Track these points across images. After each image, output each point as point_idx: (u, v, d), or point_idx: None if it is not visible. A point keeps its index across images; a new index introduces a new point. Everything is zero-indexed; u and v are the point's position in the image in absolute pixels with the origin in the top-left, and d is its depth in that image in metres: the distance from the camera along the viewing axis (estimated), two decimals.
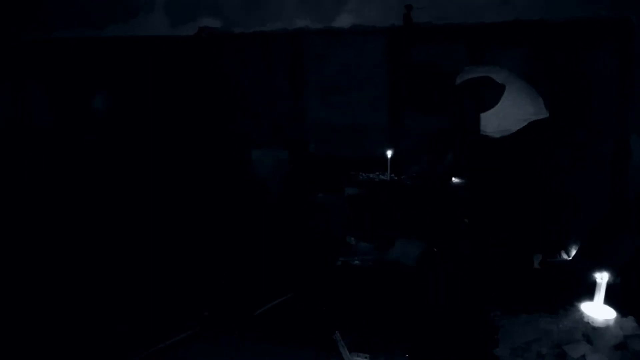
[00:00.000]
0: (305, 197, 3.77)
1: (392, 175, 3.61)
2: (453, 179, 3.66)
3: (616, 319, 2.06)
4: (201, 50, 3.94)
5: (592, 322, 2.06)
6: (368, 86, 3.89)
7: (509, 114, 2.72)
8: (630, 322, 2.06)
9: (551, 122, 2.73)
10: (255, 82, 4.00)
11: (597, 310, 2.10)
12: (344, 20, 3.67)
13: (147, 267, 2.97)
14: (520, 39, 3.61)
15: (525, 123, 2.71)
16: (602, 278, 2.08)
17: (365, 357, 2.10)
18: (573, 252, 3.16)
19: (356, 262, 3.13)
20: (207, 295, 2.70)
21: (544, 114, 2.71)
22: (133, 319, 2.43)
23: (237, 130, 3.99)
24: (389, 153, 3.53)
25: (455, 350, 2.16)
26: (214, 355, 2.19)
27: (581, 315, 2.15)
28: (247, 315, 2.46)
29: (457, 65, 3.48)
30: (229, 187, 3.83)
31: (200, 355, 2.19)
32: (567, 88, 3.04)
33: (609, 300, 2.14)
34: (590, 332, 2.02)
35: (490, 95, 2.72)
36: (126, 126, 4.19)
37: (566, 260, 3.15)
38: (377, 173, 3.71)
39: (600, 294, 2.09)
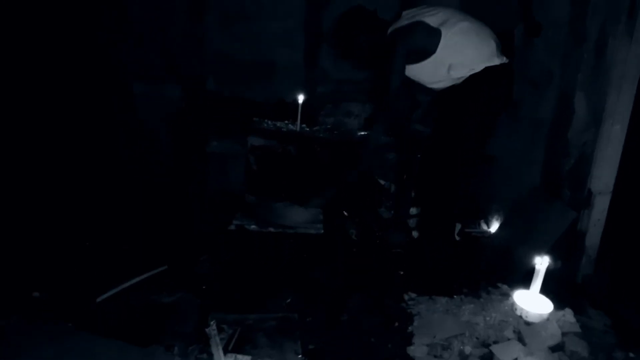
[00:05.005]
0: (199, 145, 3.13)
1: (303, 125, 3.05)
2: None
3: (552, 313, 1.70)
4: None
5: (526, 317, 1.70)
6: (282, 15, 3.22)
7: (449, 61, 2.26)
8: (568, 316, 1.72)
9: (483, 73, 2.28)
10: None
11: (531, 301, 1.74)
12: None
13: None
14: None
15: (474, 71, 2.24)
16: (541, 263, 1.70)
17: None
18: (495, 223, 2.85)
19: (253, 226, 2.60)
20: (51, 272, 2.03)
21: (497, 59, 2.25)
22: None
23: (113, 57, 3.16)
24: (301, 98, 2.95)
25: (363, 347, 1.73)
26: (34, 351, 1.59)
27: (512, 306, 1.78)
28: (91, 298, 1.84)
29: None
30: (93, 131, 3.04)
31: (16, 349, 1.59)
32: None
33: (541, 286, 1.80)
34: (523, 329, 1.65)
35: (425, 42, 2.24)
36: None
37: (487, 232, 2.84)
38: (287, 122, 3.13)
39: (537, 283, 1.72)
